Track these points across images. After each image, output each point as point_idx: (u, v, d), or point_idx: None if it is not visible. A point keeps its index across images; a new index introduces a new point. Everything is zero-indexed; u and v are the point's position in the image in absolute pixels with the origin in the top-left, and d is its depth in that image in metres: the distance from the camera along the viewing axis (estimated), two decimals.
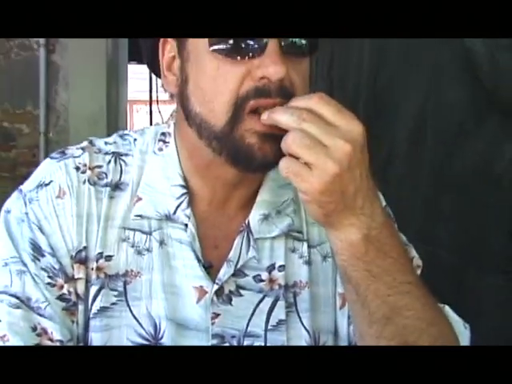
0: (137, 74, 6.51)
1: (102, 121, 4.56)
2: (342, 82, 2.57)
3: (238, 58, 0.82)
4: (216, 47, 0.82)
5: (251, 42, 0.81)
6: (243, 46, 0.81)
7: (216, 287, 0.91)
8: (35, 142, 4.64)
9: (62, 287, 0.87)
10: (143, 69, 0.97)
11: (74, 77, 4.60)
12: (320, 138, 0.73)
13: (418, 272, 0.96)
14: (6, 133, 4.69)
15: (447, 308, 0.94)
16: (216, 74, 0.83)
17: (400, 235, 0.93)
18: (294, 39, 0.83)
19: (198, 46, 0.85)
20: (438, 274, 1.31)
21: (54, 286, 0.87)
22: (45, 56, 4.58)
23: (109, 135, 0.99)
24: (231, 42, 0.81)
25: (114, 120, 4.79)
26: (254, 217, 0.94)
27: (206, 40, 0.83)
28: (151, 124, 4.03)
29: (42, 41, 4.54)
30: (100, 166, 0.93)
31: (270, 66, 0.80)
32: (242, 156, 0.84)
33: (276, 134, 0.79)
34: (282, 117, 0.76)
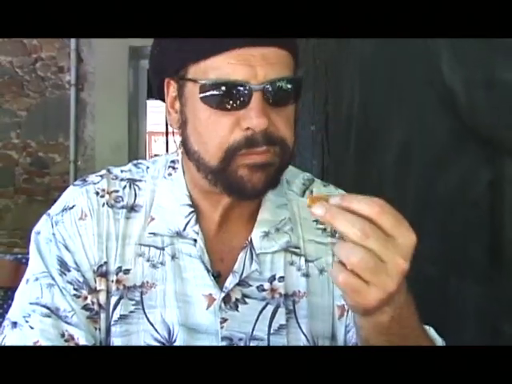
0: (155, 108, 6.56)
1: (125, 150, 4.60)
2: (336, 115, 2.59)
3: (227, 108, 0.82)
4: (204, 95, 0.83)
5: (238, 94, 0.81)
6: (230, 97, 0.82)
7: (223, 294, 0.90)
8: (66, 169, 4.71)
9: (86, 298, 0.88)
10: (161, 104, 0.97)
11: (100, 112, 4.66)
12: (380, 254, 0.66)
13: None
14: (40, 161, 4.75)
15: (432, 330, 0.93)
16: (208, 122, 0.84)
17: None
18: (280, 84, 0.83)
19: (193, 94, 0.85)
20: (422, 284, 1.31)
21: (79, 297, 0.87)
22: (75, 94, 4.67)
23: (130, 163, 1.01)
24: (223, 88, 0.82)
25: (134, 149, 4.84)
26: (256, 234, 0.94)
27: (198, 89, 0.83)
28: (167, 152, 4.08)
29: (72, 80, 4.62)
30: (117, 191, 0.94)
31: (253, 118, 0.81)
32: (234, 188, 0.85)
33: (263, 164, 0.83)
34: (343, 226, 0.67)
